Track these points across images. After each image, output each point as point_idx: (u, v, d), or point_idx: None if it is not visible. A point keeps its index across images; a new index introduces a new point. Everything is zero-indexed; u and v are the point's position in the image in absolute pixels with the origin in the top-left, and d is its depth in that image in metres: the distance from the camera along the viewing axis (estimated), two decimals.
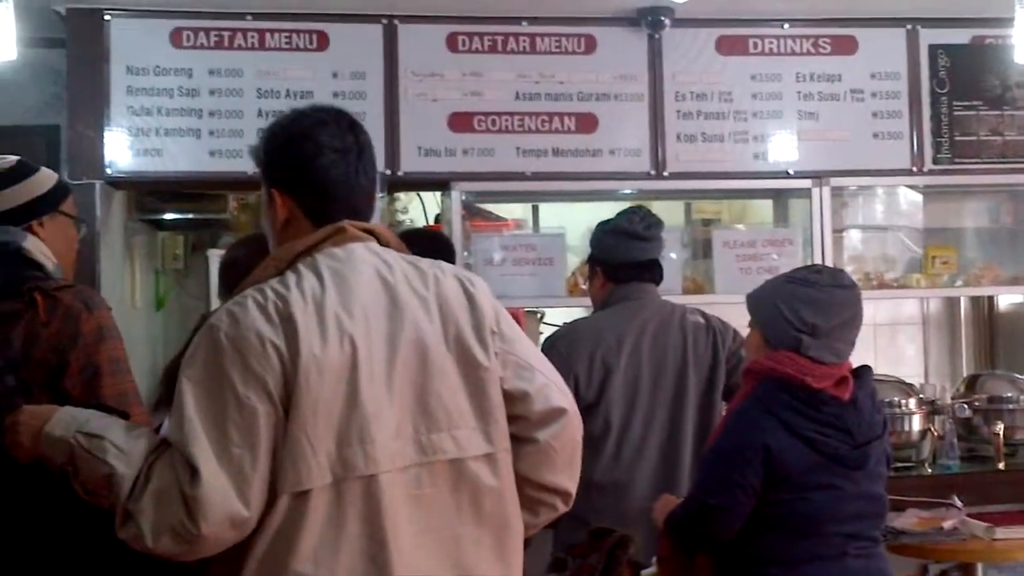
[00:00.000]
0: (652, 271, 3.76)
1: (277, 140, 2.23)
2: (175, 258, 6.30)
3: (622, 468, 3.55)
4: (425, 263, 2.22)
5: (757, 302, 3.17)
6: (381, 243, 2.21)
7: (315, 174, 2.18)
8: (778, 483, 2.97)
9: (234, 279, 2.96)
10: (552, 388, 2.22)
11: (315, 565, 1.94)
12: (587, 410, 3.53)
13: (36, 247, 2.73)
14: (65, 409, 2.19)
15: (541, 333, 5.90)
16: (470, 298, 2.17)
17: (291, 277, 2.08)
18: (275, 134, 2.24)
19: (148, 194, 5.62)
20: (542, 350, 3.66)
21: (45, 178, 2.85)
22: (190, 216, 6.07)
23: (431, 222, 5.81)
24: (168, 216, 6.01)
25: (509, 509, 2.16)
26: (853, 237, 5.42)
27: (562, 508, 2.29)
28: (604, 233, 3.82)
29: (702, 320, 3.73)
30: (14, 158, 2.86)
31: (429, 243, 3.54)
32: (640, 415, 3.58)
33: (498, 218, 5.71)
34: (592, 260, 3.84)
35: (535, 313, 5.74)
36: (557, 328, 3.97)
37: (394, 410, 2.03)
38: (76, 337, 2.57)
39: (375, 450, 1.98)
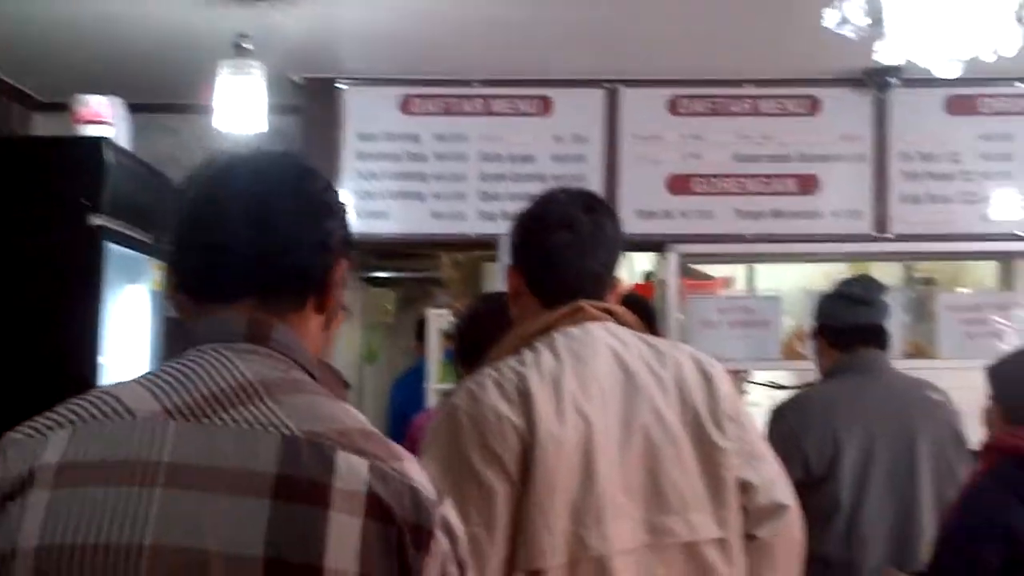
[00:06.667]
0: (877, 336, 3.66)
1: (518, 219, 2.28)
2: (386, 313, 6.48)
3: (853, 546, 3.44)
4: (664, 344, 2.21)
5: (999, 376, 3.05)
6: (619, 322, 2.20)
7: (540, 253, 2.20)
8: (1019, 565, 2.85)
9: (470, 334, 3.03)
10: (778, 483, 2.17)
11: None
12: (817, 485, 3.45)
13: None
14: None
15: (746, 393, 5.84)
16: (708, 380, 2.14)
17: (528, 355, 2.09)
18: (520, 213, 2.29)
19: (365, 252, 5.81)
20: (770, 418, 3.63)
21: None
22: (402, 273, 6.25)
23: (639, 281, 5.82)
24: (381, 273, 6.21)
25: None
26: None
27: None
28: (825, 299, 3.77)
29: (939, 397, 3.61)
30: None
31: (631, 309, 3.53)
32: (873, 492, 3.46)
33: (707, 277, 5.67)
34: (816, 329, 3.78)
35: (739, 372, 5.67)
36: (788, 397, 3.88)
37: (627, 490, 2.01)
38: None
39: (609, 530, 1.97)
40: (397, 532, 1.22)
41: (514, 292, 2.26)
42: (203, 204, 1.37)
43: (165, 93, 5.09)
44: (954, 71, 2.67)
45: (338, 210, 1.43)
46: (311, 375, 1.34)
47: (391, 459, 1.26)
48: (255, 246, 1.33)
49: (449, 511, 1.29)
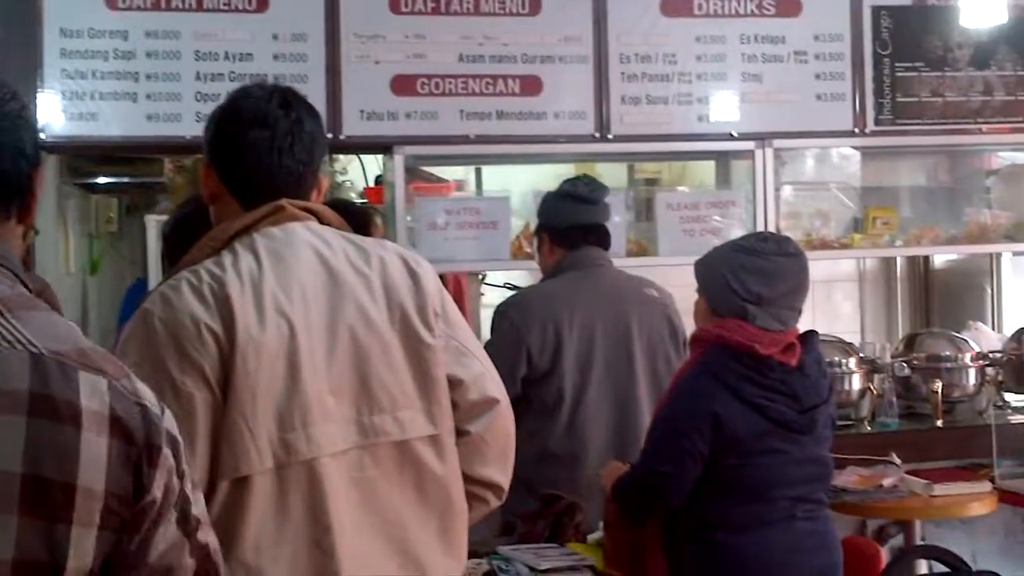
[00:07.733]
0: (599, 235, 3.75)
1: (213, 116, 2.19)
2: (109, 221, 6.23)
3: (576, 438, 3.55)
4: (368, 242, 2.19)
5: (704, 270, 3.18)
6: (322, 222, 2.16)
7: (235, 151, 2.13)
8: (726, 449, 2.99)
9: (177, 238, 2.91)
10: (487, 378, 2.20)
11: (258, 553, 1.91)
12: (541, 379, 3.53)
13: None
14: None
15: (483, 294, 5.91)
16: (415, 278, 2.14)
17: (227, 257, 2.03)
18: (215, 110, 2.19)
19: (81, 157, 5.53)
20: (493, 317, 3.68)
21: None
22: (124, 179, 6.00)
23: (370, 184, 5.77)
24: (101, 179, 5.94)
25: (454, 491, 2.13)
26: (790, 194, 5.42)
27: (494, 503, 2.26)
28: (549, 199, 3.84)
29: (656, 294, 3.74)
30: None
31: (343, 215, 3.45)
32: (594, 385, 3.58)
33: (439, 180, 5.67)
34: (539, 228, 3.83)
35: (476, 274, 5.72)
36: (511, 295, 3.95)
37: (335, 392, 2.00)
38: None
39: (317, 433, 1.95)
40: (136, 451, 1.24)
41: (211, 193, 2.19)
42: None
43: None
44: None
45: (29, 116, 1.39)
46: (28, 289, 1.32)
47: (122, 377, 1.27)
48: None
49: (171, 422, 1.31)
